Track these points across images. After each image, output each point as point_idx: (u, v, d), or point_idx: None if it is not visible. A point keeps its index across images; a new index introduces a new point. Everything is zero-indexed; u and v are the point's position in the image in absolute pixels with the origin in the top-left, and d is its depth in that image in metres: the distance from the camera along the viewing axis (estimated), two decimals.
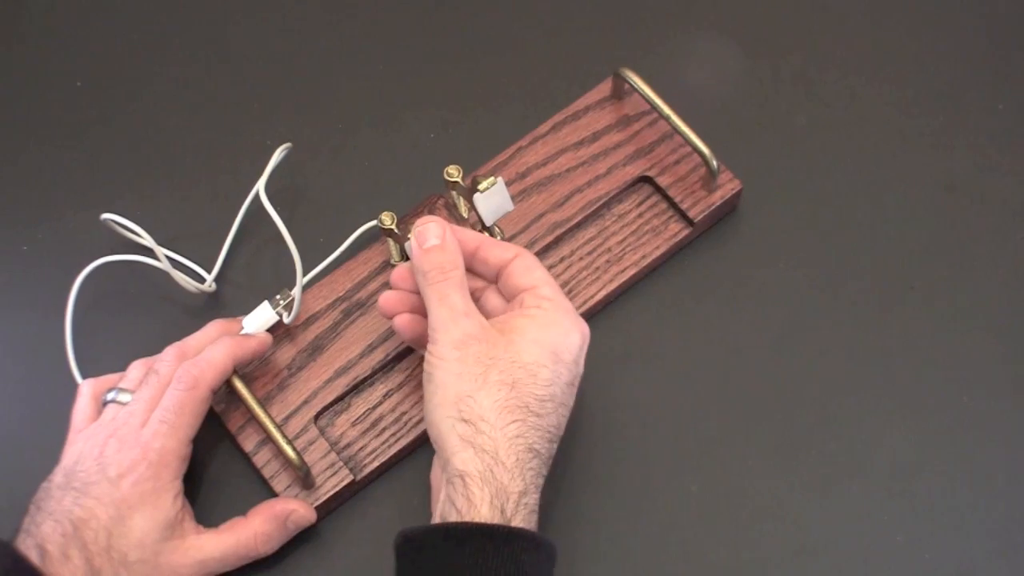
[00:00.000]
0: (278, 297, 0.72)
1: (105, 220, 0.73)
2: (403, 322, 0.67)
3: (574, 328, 0.64)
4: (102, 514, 0.62)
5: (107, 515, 0.62)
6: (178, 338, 0.69)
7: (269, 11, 0.85)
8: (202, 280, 0.75)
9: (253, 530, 0.66)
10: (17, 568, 0.60)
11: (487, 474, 0.60)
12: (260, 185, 0.71)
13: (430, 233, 0.65)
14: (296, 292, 0.70)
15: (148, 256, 0.73)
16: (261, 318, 0.71)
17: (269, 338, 0.70)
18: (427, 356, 0.63)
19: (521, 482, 0.60)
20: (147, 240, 0.72)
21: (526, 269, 0.66)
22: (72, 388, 0.69)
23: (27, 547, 0.61)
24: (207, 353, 0.67)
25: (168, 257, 0.73)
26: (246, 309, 0.72)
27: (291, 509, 0.67)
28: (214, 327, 0.70)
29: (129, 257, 0.73)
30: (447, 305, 0.63)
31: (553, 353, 0.63)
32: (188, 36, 0.84)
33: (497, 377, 0.61)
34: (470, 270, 0.67)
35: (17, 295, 0.76)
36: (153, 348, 0.69)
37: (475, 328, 0.63)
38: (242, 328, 0.71)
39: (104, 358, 0.72)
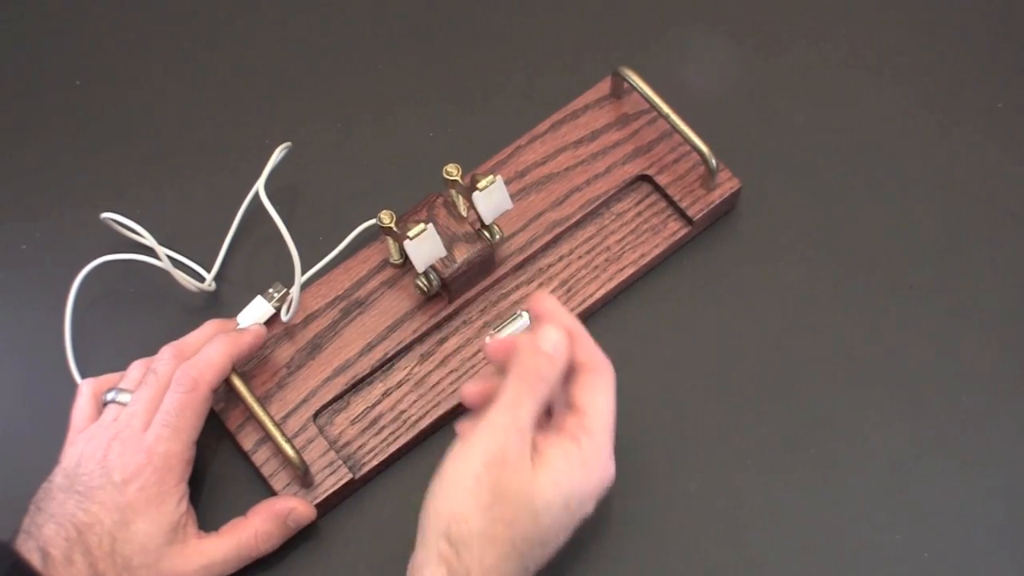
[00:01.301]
0: (271, 291, 0.72)
1: (105, 219, 0.73)
2: (471, 393, 0.65)
3: (598, 471, 0.61)
4: (106, 519, 0.62)
5: (111, 520, 0.62)
6: (177, 337, 0.69)
7: (268, 10, 0.85)
8: (202, 279, 0.75)
9: (254, 529, 0.66)
10: (18, 570, 0.60)
11: None
12: (260, 184, 0.71)
13: (552, 338, 0.61)
14: (295, 290, 0.70)
15: (148, 255, 0.73)
16: (256, 313, 0.71)
17: (263, 330, 0.70)
18: (459, 439, 0.62)
19: None
20: (147, 239, 0.73)
21: (591, 388, 0.62)
22: (71, 387, 0.70)
23: (28, 549, 0.61)
24: (204, 353, 0.67)
25: (168, 256, 0.73)
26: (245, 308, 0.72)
27: (291, 507, 0.67)
28: (210, 326, 0.70)
29: (129, 256, 0.73)
30: (513, 410, 0.60)
31: (566, 499, 0.60)
32: (187, 34, 0.84)
33: (499, 511, 0.59)
34: None
35: (16, 294, 0.76)
36: (153, 347, 0.69)
37: (514, 449, 0.59)
38: (237, 326, 0.71)
39: (104, 357, 0.72)
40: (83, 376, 0.71)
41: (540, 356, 0.61)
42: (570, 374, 0.63)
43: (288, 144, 0.74)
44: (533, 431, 0.61)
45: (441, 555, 0.59)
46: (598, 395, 0.62)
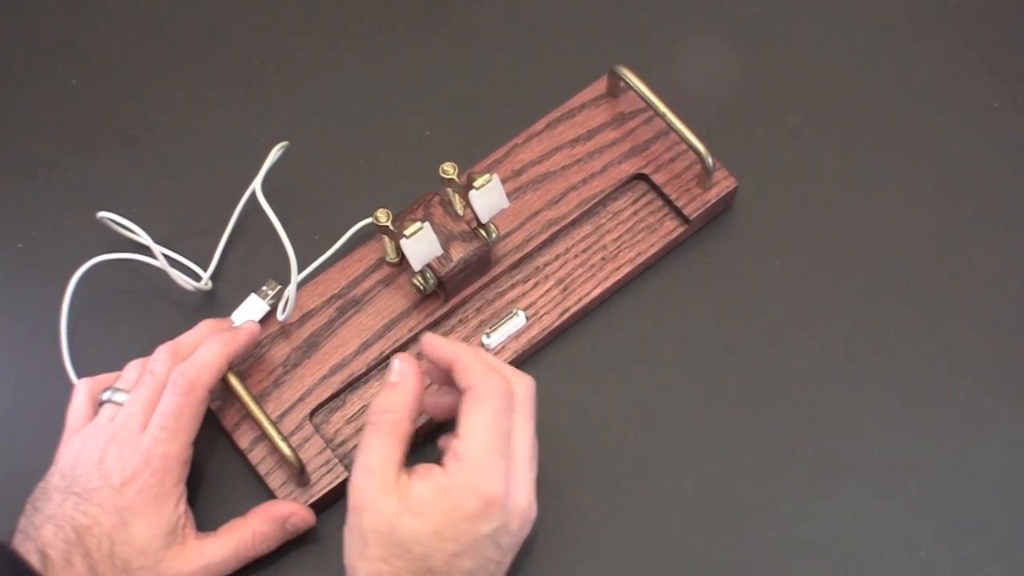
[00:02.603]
0: (265, 288, 0.72)
1: (101, 218, 0.73)
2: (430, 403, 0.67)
3: (471, 494, 0.60)
4: (105, 521, 0.62)
5: (110, 522, 0.62)
6: (174, 336, 0.69)
7: (265, 9, 0.85)
8: (198, 278, 0.75)
9: (252, 530, 0.66)
10: (17, 572, 0.60)
11: None
12: (256, 183, 0.71)
13: (392, 370, 0.64)
14: (291, 289, 0.70)
15: (144, 254, 0.73)
16: (250, 311, 0.72)
17: (257, 327, 0.70)
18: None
19: None
20: (144, 238, 0.72)
21: (466, 412, 0.62)
22: (67, 387, 0.69)
23: (27, 550, 0.61)
24: (200, 354, 0.67)
25: (164, 255, 0.73)
26: None
27: (291, 512, 0.67)
28: (205, 326, 0.70)
29: (125, 255, 0.73)
30: (362, 455, 0.62)
31: (435, 529, 0.60)
32: (184, 34, 0.84)
33: (374, 552, 0.60)
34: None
35: (12, 293, 0.76)
36: (149, 347, 0.69)
37: (368, 492, 0.61)
38: (232, 324, 0.71)
39: (99, 357, 0.72)
40: (79, 376, 0.71)
41: (384, 391, 0.64)
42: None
43: (285, 143, 0.74)
44: (398, 466, 0.62)
45: None
46: (472, 418, 0.62)
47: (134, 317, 0.75)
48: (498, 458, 0.62)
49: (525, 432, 0.64)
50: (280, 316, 0.71)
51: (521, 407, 0.64)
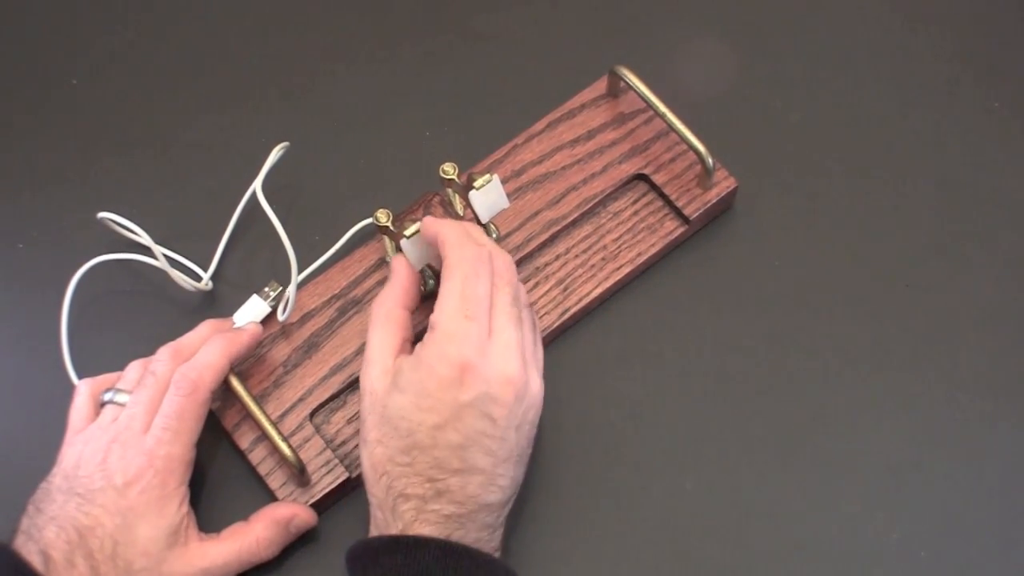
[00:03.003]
0: (267, 289, 0.72)
1: (102, 219, 0.73)
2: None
3: (440, 362, 0.61)
4: (108, 522, 0.62)
5: (113, 523, 0.62)
6: (174, 336, 0.69)
7: (264, 9, 0.85)
8: (198, 278, 0.75)
9: (255, 536, 0.66)
10: (19, 573, 0.60)
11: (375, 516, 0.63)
12: (257, 184, 0.71)
13: (392, 265, 0.68)
14: (291, 289, 0.70)
15: (144, 254, 0.73)
16: (252, 312, 0.72)
17: (259, 328, 0.70)
18: None
19: (399, 523, 0.61)
20: (144, 238, 0.72)
21: (443, 279, 0.64)
22: (68, 387, 0.69)
23: (29, 552, 0.61)
24: (202, 355, 0.67)
25: (164, 255, 0.73)
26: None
27: (293, 514, 0.67)
28: (206, 326, 0.70)
29: (126, 256, 0.73)
30: (367, 349, 0.65)
31: (415, 398, 0.61)
32: (184, 34, 0.84)
33: (373, 434, 0.63)
34: None
35: (13, 293, 0.76)
36: (149, 347, 0.69)
37: (371, 379, 0.64)
38: (234, 325, 0.71)
39: (100, 356, 0.72)
40: (80, 376, 0.71)
41: (385, 287, 0.67)
42: None
43: (286, 144, 0.74)
44: (396, 350, 0.65)
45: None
46: (444, 286, 0.64)
47: (134, 317, 0.75)
48: (467, 323, 0.62)
49: (503, 300, 0.64)
50: (280, 316, 0.71)
51: (496, 280, 0.64)
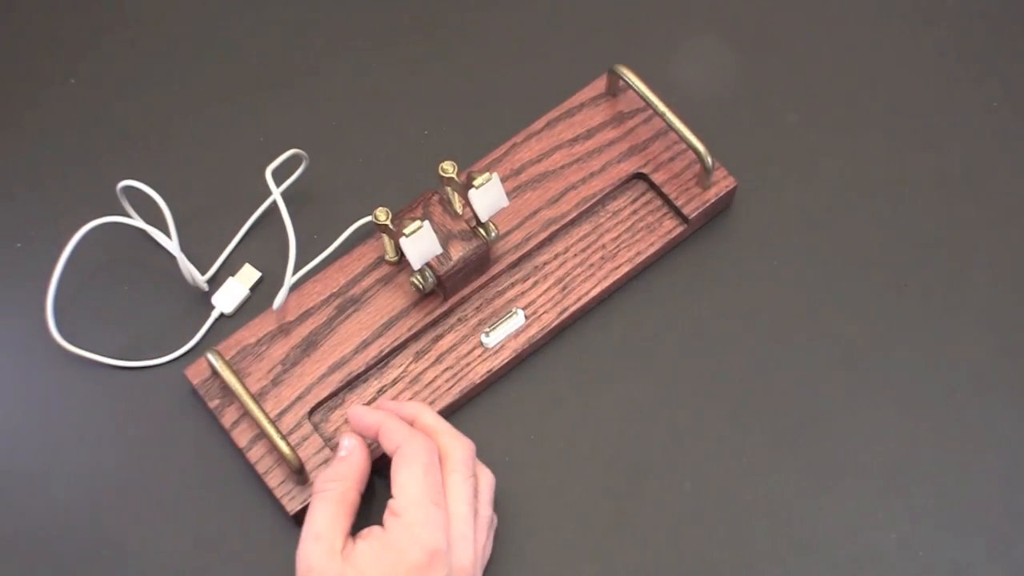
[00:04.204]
0: (241, 272, 0.73)
1: (122, 188, 0.73)
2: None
3: (413, 547, 0.61)
4: None
5: None
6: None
7: (264, 11, 0.85)
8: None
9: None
10: None
11: None
12: (269, 172, 0.72)
13: (342, 443, 0.66)
14: (288, 273, 0.70)
15: (146, 253, 0.73)
16: (231, 296, 0.73)
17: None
18: None
19: None
20: (155, 233, 0.72)
21: (396, 470, 0.64)
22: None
23: None
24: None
25: (167, 251, 0.73)
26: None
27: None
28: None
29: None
30: (309, 523, 0.63)
31: None
32: (184, 34, 0.84)
33: None
34: None
35: (9, 294, 0.76)
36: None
37: (315, 558, 0.62)
38: (214, 308, 0.72)
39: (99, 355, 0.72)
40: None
41: (332, 463, 0.66)
42: None
43: (306, 155, 0.74)
44: (345, 532, 0.63)
45: None
46: (401, 474, 0.63)
47: (135, 318, 0.75)
48: (435, 509, 0.62)
49: (463, 491, 0.64)
50: (275, 306, 0.71)
51: (460, 467, 0.65)
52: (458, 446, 0.65)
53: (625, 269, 0.74)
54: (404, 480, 0.63)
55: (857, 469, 0.71)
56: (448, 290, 0.72)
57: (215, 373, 0.69)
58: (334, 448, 0.70)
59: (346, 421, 0.71)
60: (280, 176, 0.74)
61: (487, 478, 0.67)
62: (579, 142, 0.77)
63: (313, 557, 0.62)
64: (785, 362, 0.73)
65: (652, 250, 0.75)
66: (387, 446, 0.65)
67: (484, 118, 0.80)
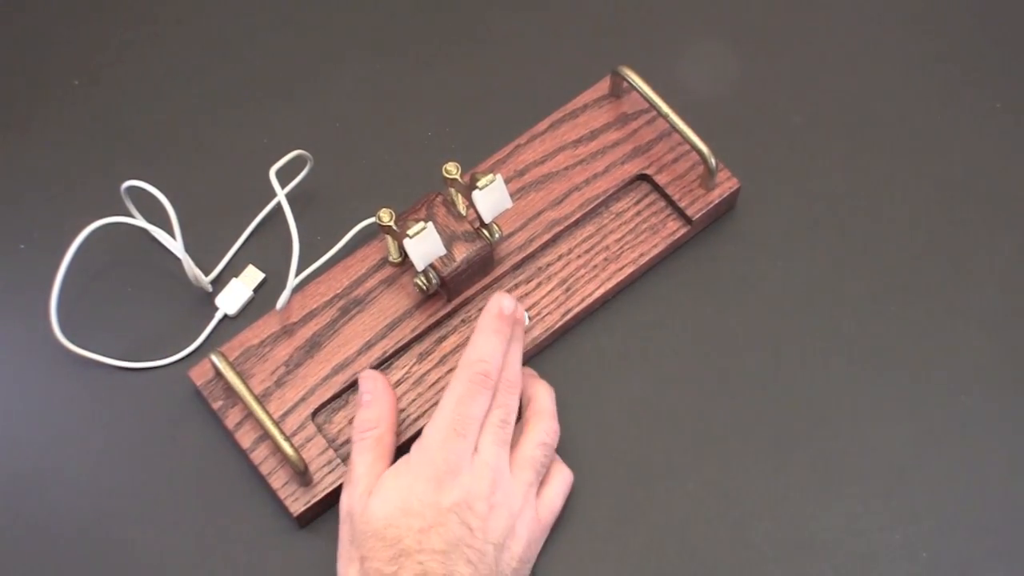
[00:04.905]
0: (245, 273, 0.73)
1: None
2: None
3: (425, 466, 0.63)
4: None
5: None
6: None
7: (265, 11, 0.85)
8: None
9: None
10: None
11: None
12: (273, 171, 0.71)
13: (362, 388, 0.68)
14: (291, 276, 0.70)
15: (146, 254, 0.73)
16: (234, 297, 0.73)
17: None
18: None
19: None
20: (158, 233, 0.72)
21: (448, 387, 0.66)
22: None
23: None
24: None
25: (171, 252, 0.73)
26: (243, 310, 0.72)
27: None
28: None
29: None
30: (349, 471, 0.66)
31: (401, 503, 0.63)
32: (185, 35, 0.84)
33: (355, 552, 0.63)
34: None
35: (9, 295, 0.76)
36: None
37: (357, 495, 0.64)
38: (218, 310, 0.72)
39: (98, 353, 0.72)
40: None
41: (361, 409, 0.67)
42: None
43: (310, 157, 0.74)
44: (379, 476, 0.65)
45: None
46: (442, 401, 0.65)
47: (138, 319, 0.75)
48: (456, 438, 0.64)
49: (492, 425, 0.65)
50: (278, 306, 0.71)
51: (494, 402, 0.66)
52: (506, 375, 0.67)
53: (629, 270, 0.74)
54: (440, 405, 0.65)
55: (861, 469, 0.71)
56: (452, 291, 0.72)
57: (219, 374, 0.69)
58: (339, 449, 0.70)
59: (350, 421, 0.71)
60: (284, 177, 0.74)
61: (551, 427, 0.68)
62: (583, 143, 0.77)
63: (351, 501, 0.64)
64: (788, 363, 0.73)
65: (655, 251, 0.75)
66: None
67: (488, 119, 0.80)
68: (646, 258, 0.75)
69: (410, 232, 0.68)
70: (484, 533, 0.63)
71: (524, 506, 0.65)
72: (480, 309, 0.73)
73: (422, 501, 0.63)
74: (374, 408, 0.67)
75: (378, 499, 0.63)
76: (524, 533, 0.65)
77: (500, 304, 0.67)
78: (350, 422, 0.71)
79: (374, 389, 0.68)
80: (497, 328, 0.67)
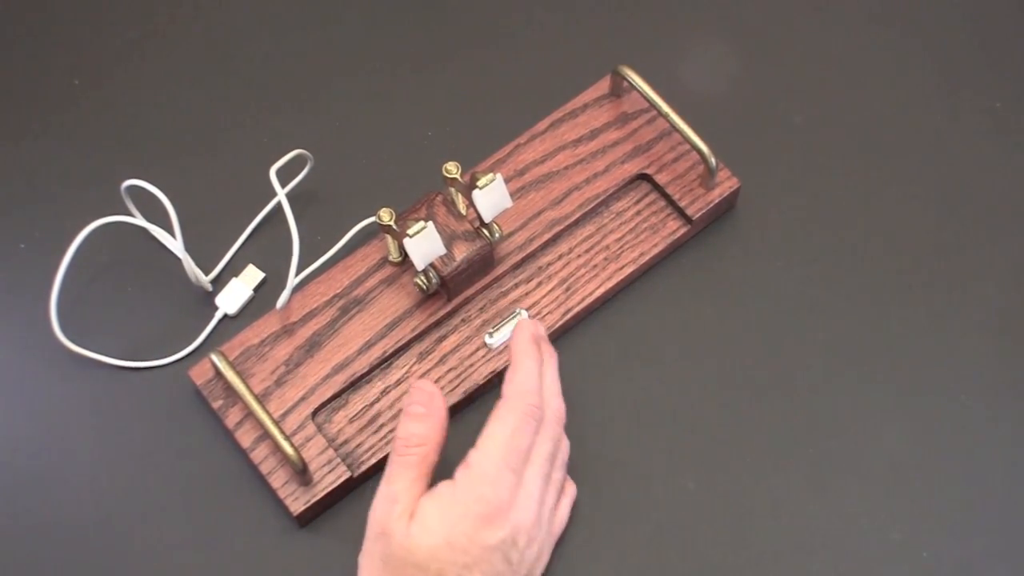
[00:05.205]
0: (244, 273, 0.73)
1: (129, 186, 0.73)
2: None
3: (476, 503, 0.62)
4: None
5: None
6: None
7: (267, 12, 0.85)
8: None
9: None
10: None
11: None
12: (273, 170, 0.71)
13: (414, 398, 0.65)
14: (291, 275, 0.70)
15: (145, 256, 0.73)
16: (234, 296, 0.73)
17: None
18: None
19: None
20: (170, 210, 0.72)
21: (493, 417, 0.64)
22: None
23: None
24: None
25: (171, 251, 0.73)
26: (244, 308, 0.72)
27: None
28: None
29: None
30: (387, 484, 0.64)
31: (447, 539, 0.61)
32: (186, 35, 0.84)
33: None
34: None
35: (11, 294, 0.76)
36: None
37: (390, 518, 0.62)
38: (218, 309, 0.72)
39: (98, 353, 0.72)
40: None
41: (410, 420, 0.65)
42: None
43: (310, 156, 0.74)
44: (420, 495, 0.63)
45: None
46: (492, 427, 0.64)
47: (138, 318, 0.75)
48: (508, 473, 0.63)
49: (539, 458, 0.65)
50: (279, 305, 0.71)
51: (539, 435, 0.65)
52: (551, 407, 0.66)
53: (629, 270, 0.74)
54: (491, 434, 0.64)
55: (861, 469, 0.71)
56: (452, 291, 0.72)
57: (219, 374, 0.69)
58: (338, 448, 0.70)
59: (349, 421, 0.71)
60: (284, 177, 0.74)
61: (564, 443, 0.68)
62: (583, 143, 0.77)
63: (389, 520, 0.62)
64: (788, 363, 0.73)
65: (656, 251, 0.75)
66: (505, 383, 0.65)
67: (488, 119, 0.80)
68: (646, 258, 0.75)
69: (410, 231, 0.68)
70: (520, 564, 0.63)
71: (548, 529, 0.66)
72: (480, 309, 0.74)
73: (469, 538, 0.61)
74: (426, 424, 0.64)
75: (421, 527, 0.62)
76: (546, 553, 0.66)
77: (530, 330, 0.67)
78: (350, 421, 0.71)
79: (429, 404, 0.65)
80: (534, 353, 0.67)
